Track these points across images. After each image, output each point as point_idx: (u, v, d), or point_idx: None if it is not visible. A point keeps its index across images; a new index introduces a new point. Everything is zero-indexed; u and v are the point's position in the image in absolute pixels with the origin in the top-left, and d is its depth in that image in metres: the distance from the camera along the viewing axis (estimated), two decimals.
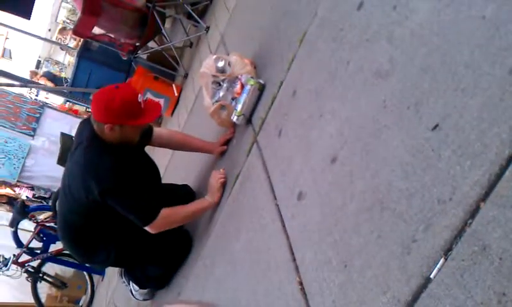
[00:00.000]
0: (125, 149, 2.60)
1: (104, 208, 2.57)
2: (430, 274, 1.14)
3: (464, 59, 1.28)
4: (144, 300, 3.39)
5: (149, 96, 5.63)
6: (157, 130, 3.08)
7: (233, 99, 2.84)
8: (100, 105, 2.51)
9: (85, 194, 2.53)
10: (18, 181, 8.55)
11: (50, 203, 6.64)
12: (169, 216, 2.64)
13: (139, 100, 2.54)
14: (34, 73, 12.68)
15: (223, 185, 2.75)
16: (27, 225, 6.10)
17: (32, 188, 9.47)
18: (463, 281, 1.05)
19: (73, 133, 8.21)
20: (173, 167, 4.52)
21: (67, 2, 17.84)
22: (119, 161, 2.53)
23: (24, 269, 5.50)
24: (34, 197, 9.90)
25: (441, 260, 1.13)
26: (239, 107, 2.74)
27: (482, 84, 1.19)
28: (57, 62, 18.62)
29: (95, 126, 2.56)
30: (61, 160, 6.52)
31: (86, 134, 2.62)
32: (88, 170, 2.52)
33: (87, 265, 5.71)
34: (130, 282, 3.31)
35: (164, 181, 3.30)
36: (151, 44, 6.57)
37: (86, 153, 2.56)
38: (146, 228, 2.60)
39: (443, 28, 1.42)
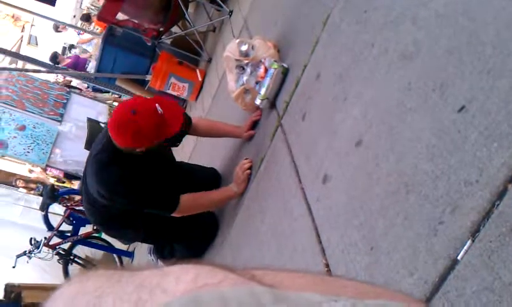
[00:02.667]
0: (151, 156, 2.61)
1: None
2: (457, 256, 1.15)
3: (491, 40, 1.27)
4: None
5: (173, 81, 5.66)
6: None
7: (257, 83, 2.84)
8: (126, 135, 2.42)
9: (101, 198, 2.59)
10: (47, 165, 8.70)
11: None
12: (190, 201, 2.67)
13: (160, 113, 2.47)
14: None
15: (249, 176, 2.77)
16: (57, 209, 6.23)
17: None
18: (491, 263, 1.06)
19: (99, 119, 8.32)
20: (197, 155, 4.54)
21: None
22: (127, 170, 2.52)
23: (55, 252, 5.61)
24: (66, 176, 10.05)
25: (469, 242, 1.13)
26: (263, 90, 2.74)
27: (510, 65, 1.18)
28: (83, 50, 18.77)
29: (119, 148, 2.49)
30: (88, 145, 6.59)
31: (104, 139, 2.56)
32: (97, 180, 2.55)
33: (117, 246, 5.83)
34: (159, 260, 3.38)
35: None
36: (174, 29, 6.57)
37: (97, 160, 2.57)
38: (175, 214, 2.65)
39: (468, 8, 1.40)
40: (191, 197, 2.67)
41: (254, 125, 3.02)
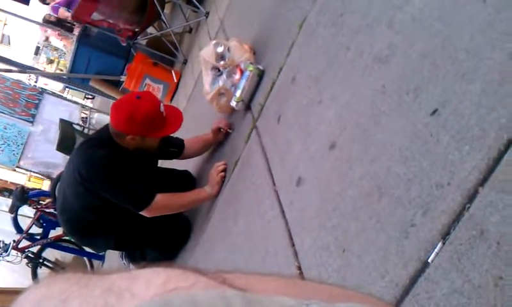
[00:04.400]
0: (139, 155, 2.67)
1: (100, 196, 2.61)
2: (428, 258, 1.15)
3: (465, 44, 1.28)
4: None
5: (148, 82, 5.61)
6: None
7: (232, 85, 2.83)
8: (121, 115, 2.53)
9: (79, 182, 2.57)
10: (17, 167, 8.53)
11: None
12: (164, 201, 2.65)
13: (161, 110, 2.58)
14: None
15: (223, 179, 2.76)
16: (27, 211, 6.11)
17: None
18: (461, 265, 1.06)
19: (72, 120, 8.20)
20: None
21: None
22: (113, 154, 2.57)
23: (24, 255, 5.49)
24: None
25: (439, 244, 1.13)
26: (238, 92, 2.73)
27: (482, 69, 1.19)
28: (55, 48, 18.54)
29: (112, 132, 2.60)
30: (60, 147, 6.50)
31: (104, 134, 2.67)
32: (82, 160, 2.58)
33: (86, 249, 5.74)
34: (130, 264, 3.33)
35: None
36: (150, 30, 6.53)
37: (88, 146, 2.65)
38: (142, 213, 2.62)
39: (443, 13, 1.41)
40: (166, 196, 2.65)
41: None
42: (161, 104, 2.61)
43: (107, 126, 2.69)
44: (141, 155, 2.70)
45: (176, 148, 3.13)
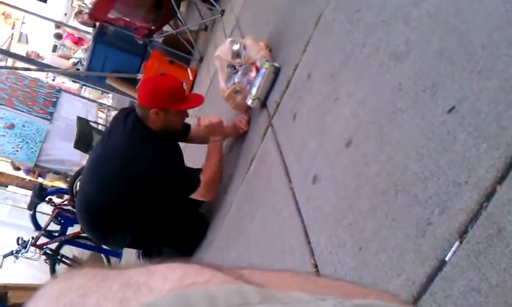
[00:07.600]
0: (166, 136, 2.71)
1: (135, 193, 2.64)
2: (445, 257, 1.14)
3: (482, 41, 1.26)
4: None
5: None
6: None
7: (248, 83, 2.84)
8: (146, 90, 2.63)
9: (123, 179, 2.59)
10: (35, 165, 8.61)
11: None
12: (206, 175, 2.77)
13: (183, 88, 2.68)
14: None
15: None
16: (45, 208, 6.18)
17: None
18: (478, 264, 1.05)
19: (89, 118, 8.26)
20: (186, 157, 4.53)
21: None
22: (162, 148, 2.63)
23: (42, 251, 5.57)
24: None
25: (456, 243, 1.12)
26: (254, 90, 2.73)
27: (500, 66, 1.18)
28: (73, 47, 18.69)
29: (139, 112, 2.66)
30: (78, 144, 6.55)
31: (129, 120, 2.69)
32: (132, 159, 2.59)
33: (103, 246, 5.79)
34: (147, 263, 3.35)
35: None
36: (166, 28, 6.55)
37: (129, 139, 2.63)
38: (204, 198, 2.80)
39: (460, 9, 1.40)
40: (204, 172, 2.79)
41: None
42: (184, 83, 2.74)
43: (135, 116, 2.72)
44: (168, 137, 2.75)
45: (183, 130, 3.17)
